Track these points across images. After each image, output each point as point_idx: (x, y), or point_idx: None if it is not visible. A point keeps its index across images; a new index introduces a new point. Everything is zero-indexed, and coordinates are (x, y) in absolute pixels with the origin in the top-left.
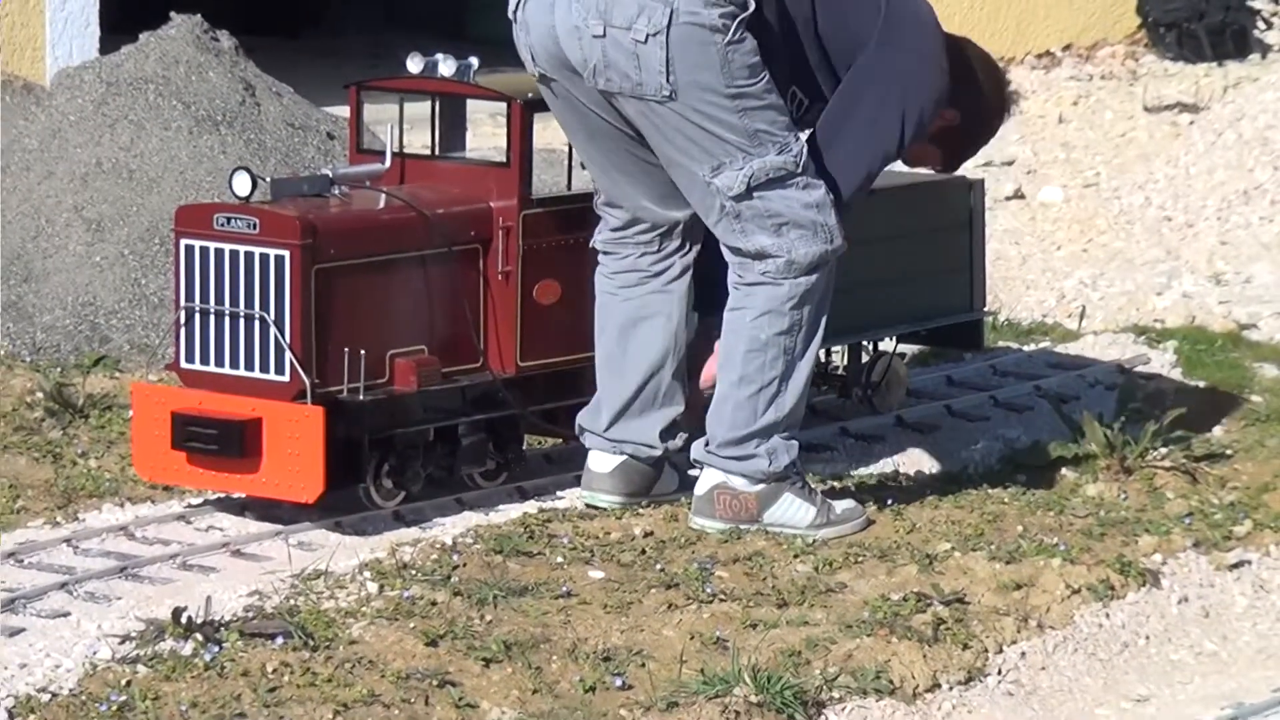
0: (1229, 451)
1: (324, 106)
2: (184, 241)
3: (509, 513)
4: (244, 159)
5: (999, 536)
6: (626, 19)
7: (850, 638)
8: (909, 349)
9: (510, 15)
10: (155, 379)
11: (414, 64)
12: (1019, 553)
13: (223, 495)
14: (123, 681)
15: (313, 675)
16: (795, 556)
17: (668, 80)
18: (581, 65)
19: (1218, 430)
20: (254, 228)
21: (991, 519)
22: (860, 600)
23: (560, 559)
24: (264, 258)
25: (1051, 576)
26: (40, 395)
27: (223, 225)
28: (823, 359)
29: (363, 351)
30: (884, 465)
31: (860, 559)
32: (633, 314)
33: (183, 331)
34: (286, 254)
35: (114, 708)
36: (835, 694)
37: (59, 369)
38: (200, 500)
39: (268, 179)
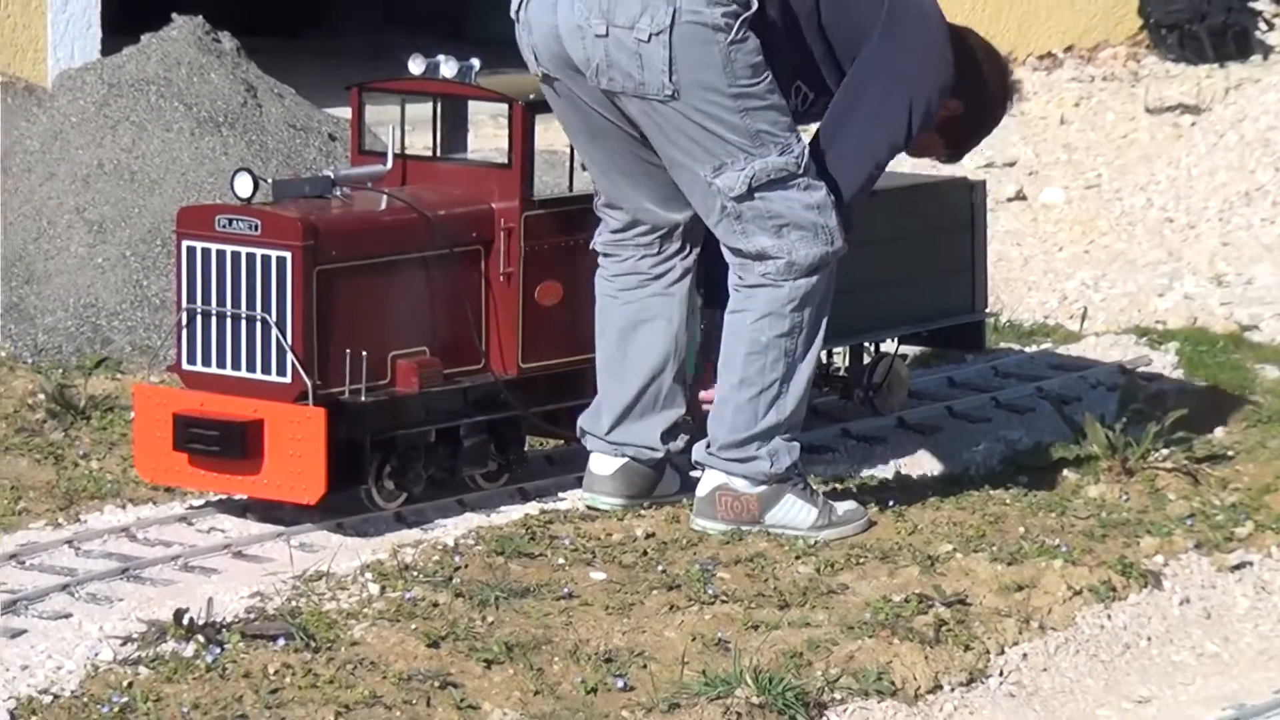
0: (1231, 453)
1: (325, 108)
2: (185, 243)
3: (510, 514)
4: (246, 160)
5: (1000, 538)
6: (629, 18)
7: (852, 639)
8: (910, 350)
9: (513, 15)
10: (157, 380)
11: (415, 65)
12: (1020, 554)
13: (224, 497)
14: (124, 683)
15: (314, 676)
16: (797, 558)
17: (670, 79)
18: (584, 64)
19: (1219, 432)
20: (256, 229)
21: (993, 520)
22: (862, 601)
23: (562, 560)
24: (266, 259)
25: (1053, 578)
26: (42, 397)
27: (224, 227)
28: (824, 360)
29: (364, 353)
30: (885, 466)
31: (862, 560)
32: (633, 317)
33: (184, 333)
34: (288, 255)
35: (115, 709)
36: (837, 695)
37: (61, 370)
38: (202, 502)
39: (269, 180)
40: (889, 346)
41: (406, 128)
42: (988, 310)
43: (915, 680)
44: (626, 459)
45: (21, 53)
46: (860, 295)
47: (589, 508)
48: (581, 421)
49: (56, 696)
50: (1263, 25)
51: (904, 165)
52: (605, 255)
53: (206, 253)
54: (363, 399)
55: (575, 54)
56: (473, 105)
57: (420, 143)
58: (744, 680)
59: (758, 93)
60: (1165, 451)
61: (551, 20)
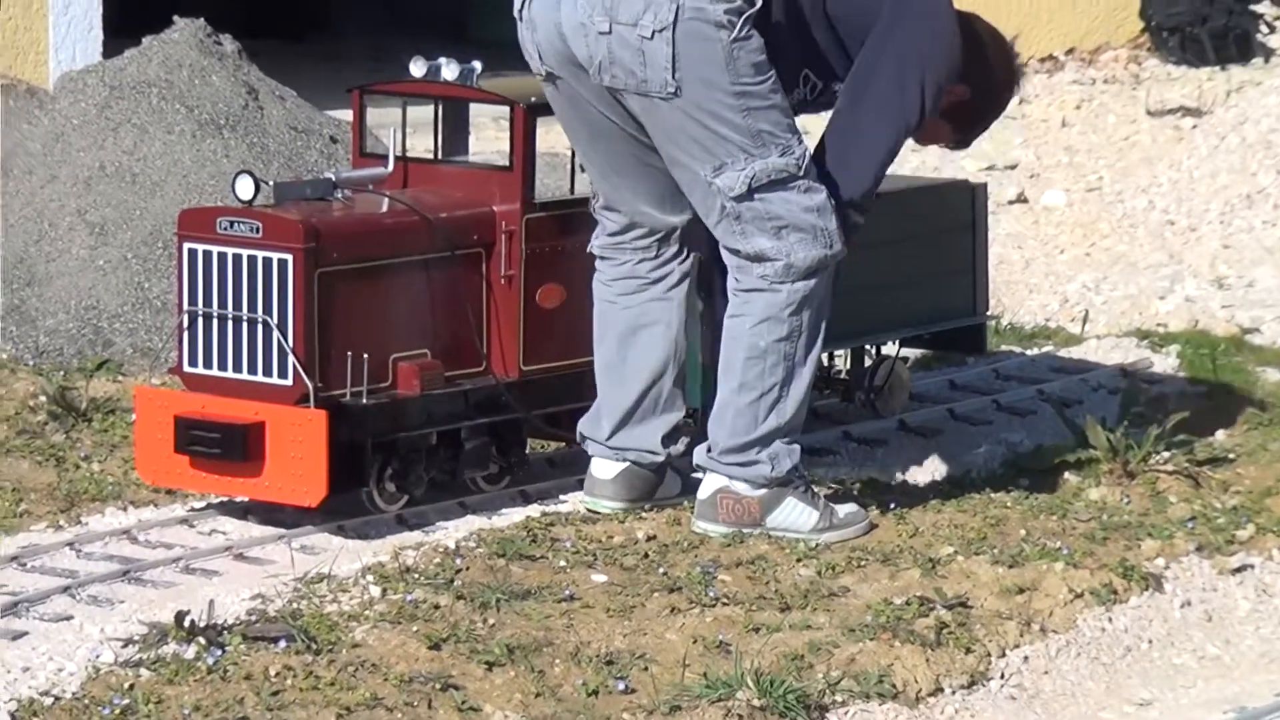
0: (1232, 455)
1: (327, 110)
2: (187, 245)
3: (512, 516)
4: (247, 163)
5: (1001, 540)
6: (632, 15)
7: (853, 641)
8: (912, 353)
9: (516, 14)
10: (158, 383)
11: (417, 68)
12: (1021, 557)
13: (225, 499)
14: (125, 685)
15: (315, 679)
16: (798, 560)
17: (673, 77)
18: (587, 62)
19: (1220, 434)
20: (257, 231)
21: (994, 523)
22: (863, 604)
23: (563, 563)
24: (267, 261)
25: (1054, 580)
26: (43, 399)
27: (226, 229)
28: (825, 363)
29: (365, 355)
30: (887, 469)
31: (863, 563)
32: (632, 322)
33: (185, 335)
34: (289, 258)
35: (117, 711)
36: (838, 698)
37: (62, 373)
38: (203, 504)
39: (271, 183)
40: (890, 349)
41: (408, 130)
42: (989, 313)
43: (916, 683)
44: (628, 463)
45: (23, 55)
46: (861, 298)
47: (590, 510)
48: (581, 426)
49: (58, 698)
50: (1264, 28)
51: (905, 167)
52: (602, 258)
53: (208, 255)
54: (364, 401)
55: (579, 51)
56: (474, 108)
57: (421, 145)
58: (745, 683)
59: (760, 92)
60: (1166, 454)
61: (555, 17)
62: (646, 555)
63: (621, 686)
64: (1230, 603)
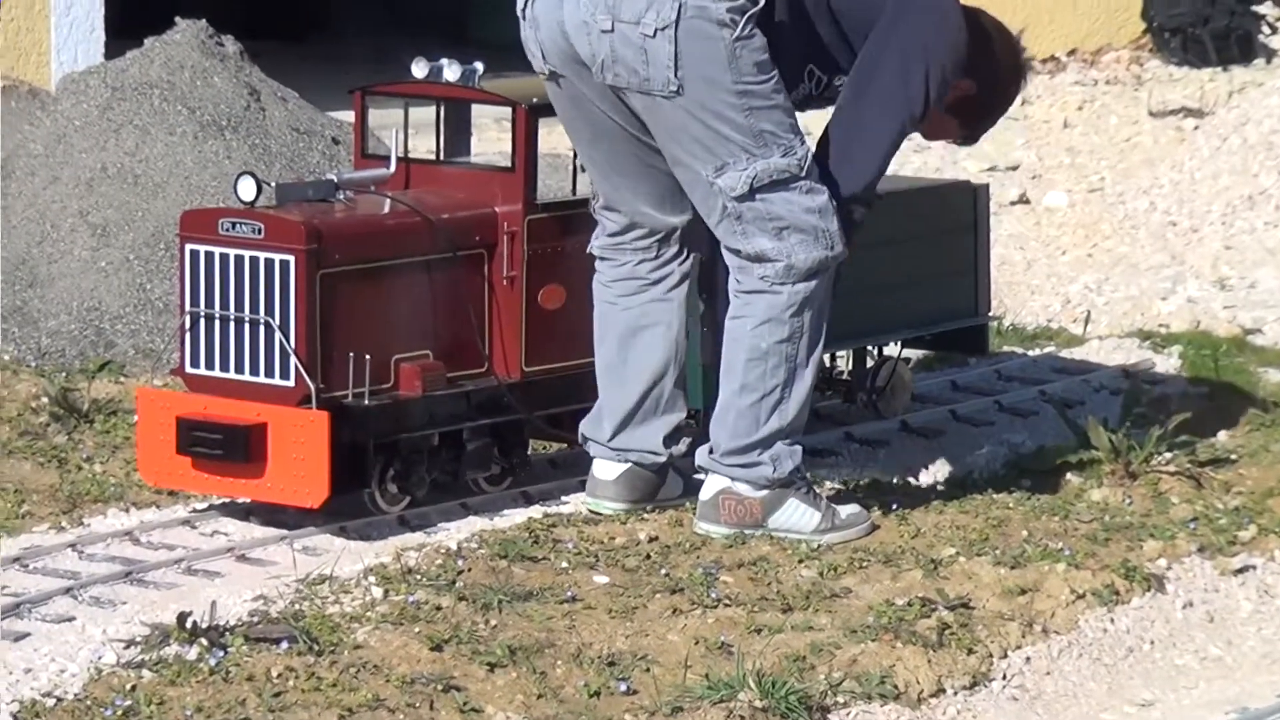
0: (1234, 456)
1: (329, 111)
2: (189, 246)
3: (514, 517)
4: (249, 164)
5: (1004, 541)
6: (635, 13)
7: (855, 643)
8: (913, 354)
9: (519, 12)
10: (160, 384)
11: (419, 69)
12: (1024, 558)
13: (227, 500)
14: (128, 686)
15: (317, 680)
16: (800, 561)
17: (675, 75)
18: (590, 60)
19: (1223, 435)
20: (259, 233)
21: (996, 524)
22: (865, 605)
23: (565, 564)
24: (269, 263)
25: (1056, 581)
26: (45, 400)
27: (228, 230)
28: (827, 364)
29: (367, 356)
30: (889, 470)
31: (865, 564)
32: (633, 323)
33: (188, 336)
34: (291, 259)
35: (119, 712)
36: (840, 699)
37: (64, 374)
38: (205, 505)
39: (273, 184)
40: (892, 350)
41: (410, 131)
42: (991, 314)
43: (918, 684)
44: (630, 464)
45: (25, 56)
46: (863, 299)
47: (592, 511)
48: (583, 428)
49: (60, 700)
50: (1266, 29)
51: (907, 168)
52: (602, 259)
53: (210, 256)
54: (366, 402)
55: (581, 49)
56: (476, 109)
57: (423, 146)
58: (747, 684)
59: (763, 92)
60: (1168, 455)
61: (558, 15)
62: (648, 556)
63: (623, 688)
64: (1232, 604)
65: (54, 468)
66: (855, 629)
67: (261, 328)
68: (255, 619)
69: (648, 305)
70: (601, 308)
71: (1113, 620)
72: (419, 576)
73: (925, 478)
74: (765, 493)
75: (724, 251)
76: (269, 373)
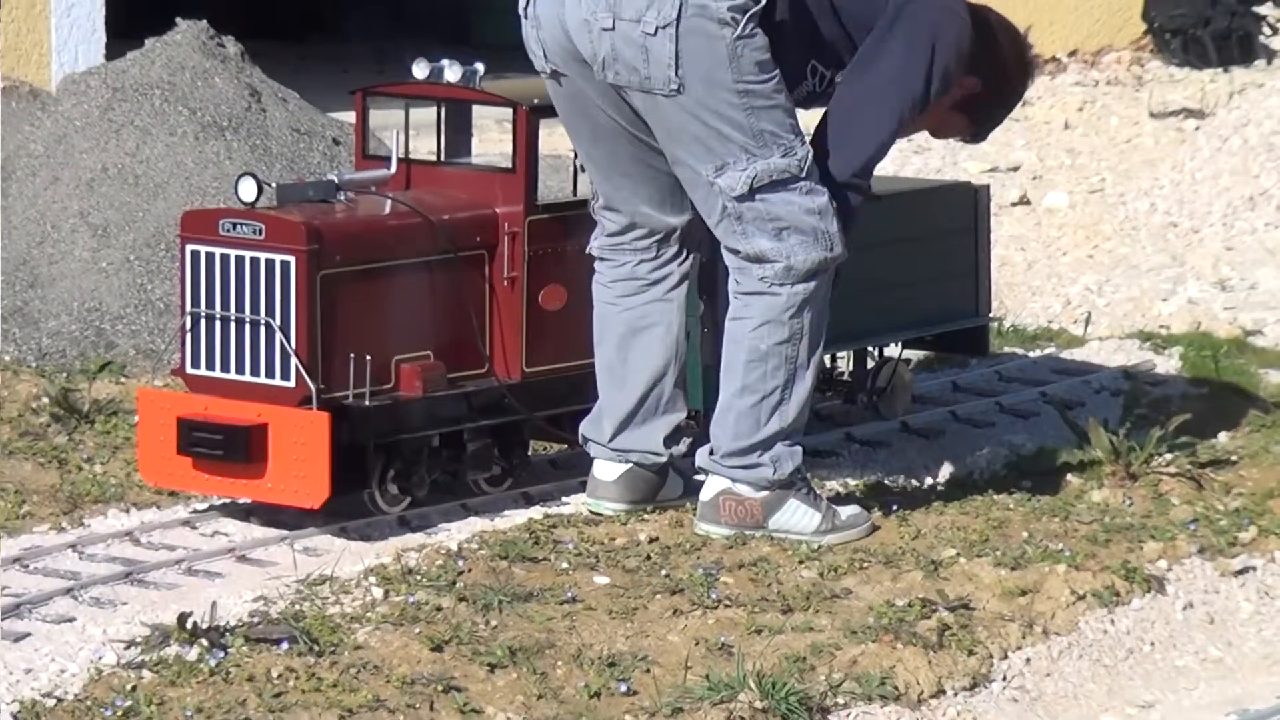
0: (1234, 457)
1: (330, 112)
2: (189, 247)
3: (514, 518)
4: (250, 164)
5: (1004, 542)
6: (635, 11)
7: (855, 643)
8: (914, 355)
9: (521, 11)
10: (161, 384)
11: (419, 69)
12: (1024, 558)
13: (228, 500)
14: (128, 686)
15: (318, 680)
16: (800, 562)
17: (675, 74)
18: (591, 58)
19: (1223, 436)
20: (260, 233)
21: (996, 525)
22: (865, 606)
23: (565, 564)
24: (269, 263)
25: (1056, 582)
26: (46, 401)
27: (228, 231)
28: (828, 365)
29: (368, 357)
30: (889, 471)
31: (865, 565)
32: (633, 324)
33: (188, 337)
34: (292, 259)
35: (119, 713)
36: (840, 700)
37: (65, 374)
38: (205, 506)
39: (273, 184)
40: (893, 351)
41: (410, 132)
42: (991, 315)
43: (918, 685)
44: (630, 465)
45: (26, 57)
46: (864, 299)
47: (592, 512)
48: (583, 429)
49: (60, 700)
50: (1266, 30)
51: (908, 169)
52: (601, 259)
53: (210, 257)
54: (366, 403)
55: (583, 48)
56: (477, 109)
57: (424, 147)
58: (747, 684)
59: (764, 91)
60: (1169, 456)
61: (559, 13)
62: (649, 557)
63: (623, 688)
64: (1232, 605)
65: (54, 468)
66: (855, 630)
67: (262, 328)
68: (255, 619)
69: (648, 306)
70: (601, 308)
71: (1113, 621)
72: (419, 577)
73: (926, 479)
74: (766, 494)
75: (724, 252)
76: (269, 373)
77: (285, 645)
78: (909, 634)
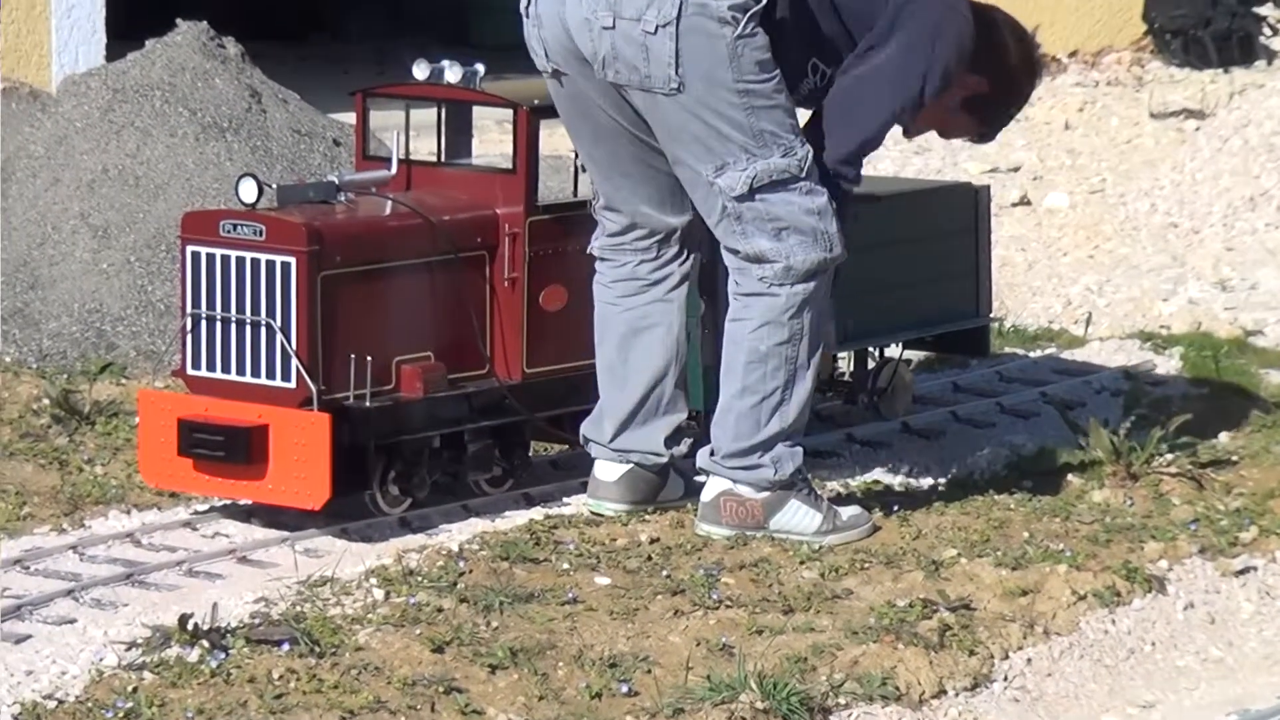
0: (1235, 458)
1: (330, 113)
2: (190, 248)
3: (515, 519)
4: (250, 166)
5: (1005, 542)
6: (636, 10)
7: (856, 644)
8: (915, 355)
9: (522, 11)
10: (161, 385)
11: (420, 70)
12: (1025, 559)
13: (229, 502)
14: (129, 688)
15: (319, 682)
16: (801, 563)
17: (675, 72)
18: (592, 57)
19: (1224, 436)
20: (260, 234)
21: (997, 525)
22: (866, 606)
23: (566, 565)
24: (270, 264)
25: (1057, 582)
26: (46, 402)
27: (229, 232)
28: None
29: (369, 358)
30: (890, 471)
31: (866, 565)
32: (633, 324)
33: (189, 338)
34: (293, 260)
35: (120, 714)
36: (841, 700)
37: (65, 376)
38: (206, 507)
39: (274, 185)
40: (893, 351)
41: (411, 133)
42: (992, 315)
43: (919, 685)
44: (631, 465)
45: (26, 58)
46: (865, 300)
47: (593, 513)
48: (584, 429)
49: (61, 701)
50: (1267, 30)
51: (909, 169)
52: (602, 260)
53: (211, 258)
54: (367, 404)
55: (584, 46)
56: (477, 110)
57: (425, 148)
58: (748, 685)
59: (764, 91)
60: (1170, 456)
61: (560, 12)
62: (650, 558)
63: (624, 689)
64: (1233, 605)
65: (55, 469)
66: (856, 630)
67: (263, 329)
68: (256, 621)
69: (648, 306)
70: (602, 309)
71: (1114, 621)
72: (420, 578)
73: (926, 479)
74: (766, 494)
75: (723, 252)
76: (270, 374)
77: (286, 646)
78: (910, 634)
